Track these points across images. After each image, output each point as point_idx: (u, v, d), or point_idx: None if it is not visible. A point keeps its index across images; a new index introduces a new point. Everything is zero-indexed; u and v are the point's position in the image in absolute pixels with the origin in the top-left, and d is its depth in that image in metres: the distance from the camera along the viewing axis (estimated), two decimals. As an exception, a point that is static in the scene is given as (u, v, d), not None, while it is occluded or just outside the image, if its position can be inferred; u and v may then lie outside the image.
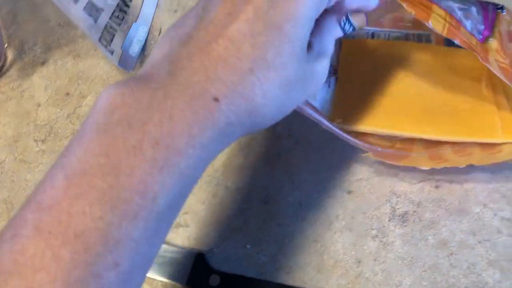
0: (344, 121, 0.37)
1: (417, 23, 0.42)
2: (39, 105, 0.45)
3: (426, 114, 0.37)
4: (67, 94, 0.45)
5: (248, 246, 0.36)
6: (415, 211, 0.36)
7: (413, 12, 0.33)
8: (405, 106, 0.37)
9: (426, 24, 0.33)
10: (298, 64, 0.25)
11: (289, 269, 0.35)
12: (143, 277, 0.23)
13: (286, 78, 0.25)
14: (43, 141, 0.43)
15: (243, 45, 0.23)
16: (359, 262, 0.35)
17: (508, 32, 0.36)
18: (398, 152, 0.36)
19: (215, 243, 0.37)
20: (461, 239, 0.34)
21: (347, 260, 0.35)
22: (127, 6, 0.47)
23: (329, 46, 0.29)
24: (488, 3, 0.37)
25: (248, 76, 0.23)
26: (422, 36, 0.42)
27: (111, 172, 0.21)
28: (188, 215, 0.38)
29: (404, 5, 0.33)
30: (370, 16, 0.38)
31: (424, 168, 0.35)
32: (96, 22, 0.43)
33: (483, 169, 0.35)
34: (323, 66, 0.28)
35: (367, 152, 0.36)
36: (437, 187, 0.36)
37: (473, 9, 0.35)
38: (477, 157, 0.35)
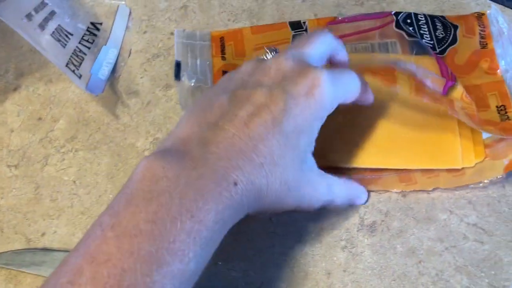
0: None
1: (384, 33, 0.43)
2: (12, 131, 0.45)
3: (393, 144, 0.37)
4: (39, 119, 0.45)
5: (220, 263, 0.36)
6: (383, 221, 0.36)
7: (379, 82, 0.36)
8: (373, 138, 0.37)
9: (395, 88, 0.36)
10: (296, 170, 0.31)
11: (260, 284, 0.35)
12: None
13: (287, 177, 0.30)
14: (16, 166, 0.43)
15: (259, 144, 0.29)
16: (329, 273, 0.35)
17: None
18: (369, 177, 0.37)
19: (187, 261, 0.37)
20: (428, 246, 0.35)
21: (318, 272, 0.35)
22: (97, 29, 0.47)
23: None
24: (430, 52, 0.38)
25: (259, 169, 0.29)
26: (388, 45, 0.42)
27: (158, 238, 0.25)
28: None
29: (369, 76, 0.36)
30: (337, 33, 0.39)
31: (395, 190, 0.36)
32: (64, 47, 0.43)
33: (448, 176, 0.36)
34: (322, 185, 0.33)
35: None
36: (404, 195, 0.36)
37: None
38: (444, 180, 0.36)
